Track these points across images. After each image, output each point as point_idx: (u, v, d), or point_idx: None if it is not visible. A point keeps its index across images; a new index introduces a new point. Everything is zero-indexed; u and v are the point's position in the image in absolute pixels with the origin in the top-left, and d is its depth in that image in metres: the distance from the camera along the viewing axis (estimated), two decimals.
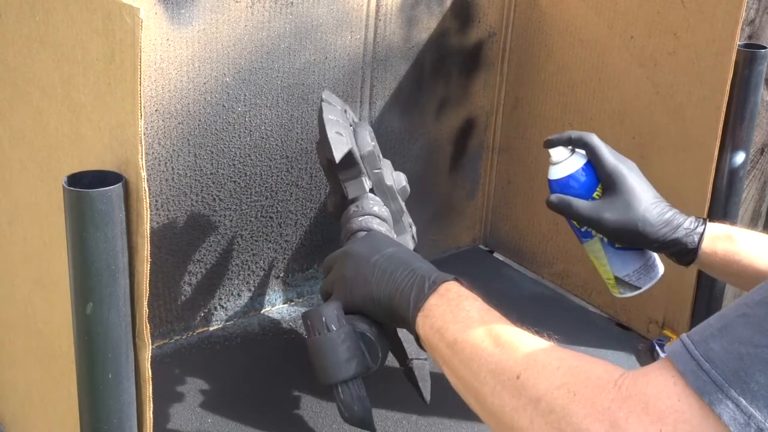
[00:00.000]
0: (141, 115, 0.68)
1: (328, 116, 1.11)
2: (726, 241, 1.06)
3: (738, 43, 1.17)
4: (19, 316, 0.95)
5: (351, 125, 1.17)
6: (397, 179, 1.19)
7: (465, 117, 1.52)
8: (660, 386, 0.67)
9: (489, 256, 1.62)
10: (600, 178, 1.08)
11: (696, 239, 1.06)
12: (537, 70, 1.46)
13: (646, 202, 1.06)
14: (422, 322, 0.90)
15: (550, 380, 0.74)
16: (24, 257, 0.91)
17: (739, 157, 1.22)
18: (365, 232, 1.08)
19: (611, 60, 1.34)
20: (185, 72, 1.14)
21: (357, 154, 1.11)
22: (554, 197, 1.10)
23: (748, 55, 1.18)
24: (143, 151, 0.69)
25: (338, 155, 1.07)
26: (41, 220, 0.85)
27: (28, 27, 0.80)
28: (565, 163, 1.09)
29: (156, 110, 1.14)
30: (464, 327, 0.85)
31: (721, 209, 1.25)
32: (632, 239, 1.08)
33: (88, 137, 0.75)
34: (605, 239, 1.11)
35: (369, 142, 1.14)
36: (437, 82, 1.45)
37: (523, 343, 0.80)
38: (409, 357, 1.05)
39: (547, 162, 1.10)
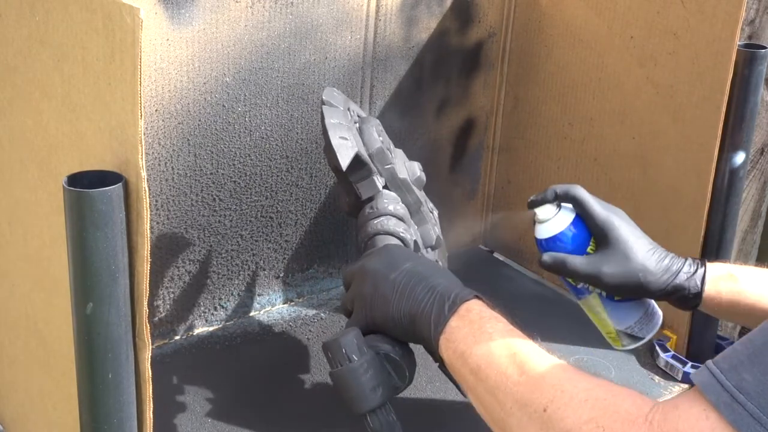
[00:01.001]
0: (141, 115, 0.68)
1: (330, 120, 1.08)
2: (729, 281, 1.01)
3: (738, 43, 1.17)
4: (19, 316, 0.95)
5: (356, 122, 1.15)
6: (411, 170, 1.17)
7: (465, 117, 1.52)
8: (692, 420, 0.66)
9: (489, 256, 1.62)
10: (592, 231, 1.03)
11: (698, 283, 1.01)
12: (537, 70, 1.46)
13: (643, 250, 1.01)
14: (445, 346, 0.87)
15: (578, 414, 0.72)
16: (24, 257, 0.91)
17: (739, 157, 1.22)
18: (382, 236, 1.06)
19: (611, 60, 1.34)
20: (185, 72, 1.14)
21: (365, 155, 1.09)
22: (547, 257, 1.04)
23: (748, 55, 1.18)
24: (143, 151, 0.69)
25: (344, 161, 1.05)
26: (41, 220, 0.85)
27: (28, 27, 0.81)
28: (554, 221, 1.04)
29: (156, 110, 1.14)
30: (487, 352, 0.83)
31: (721, 209, 1.25)
32: (634, 290, 1.02)
33: (88, 137, 0.75)
34: (604, 293, 1.05)
35: (376, 138, 1.12)
36: (437, 82, 1.45)
37: (548, 371, 0.78)
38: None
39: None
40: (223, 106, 1.20)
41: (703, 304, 1.02)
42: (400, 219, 1.09)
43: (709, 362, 0.68)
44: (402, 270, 0.95)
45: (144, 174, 0.69)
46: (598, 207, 1.03)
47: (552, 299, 1.48)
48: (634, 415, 0.69)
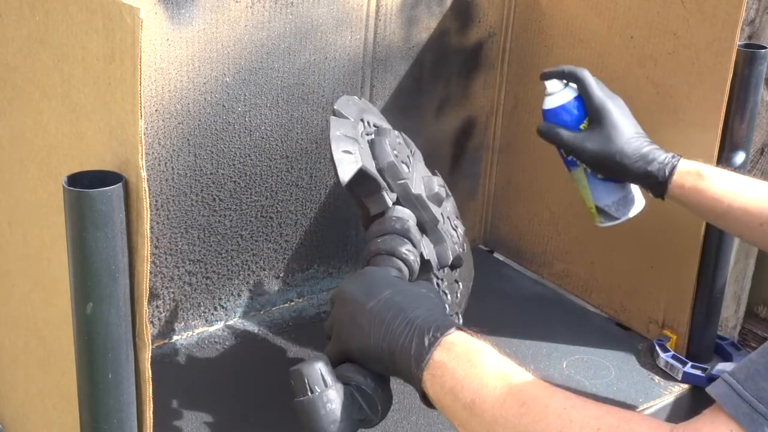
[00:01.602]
0: (141, 115, 0.68)
1: (335, 133, 1.04)
2: (695, 176, 1.11)
3: (738, 43, 1.17)
4: (19, 316, 0.95)
5: (369, 134, 1.11)
6: (428, 185, 1.13)
7: (465, 117, 1.52)
8: None
9: (489, 256, 1.62)
10: (587, 110, 1.15)
11: (666, 172, 1.11)
12: (537, 70, 1.45)
13: (627, 136, 1.13)
14: (431, 382, 0.83)
15: None
16: (24, 257, 0.91)
17: (739, 157, 1.22)
18: (383, 256, 1.02)
19: (611, 60, 1.34)
20: (185, 72, 1.14)
21: (371, 169, 1.04)
22: (543, 125, 1.17)
23: (748, 55, 1.18)
24: (143, 151, 0.69)
25: (345, 176, 1.00)
26: (41, 220, 0.85)
27: (28, 27, 0.80)
28: (558, 95, 1.17)
29: (156, 110, 1.14)
30: (481, 385, 0.80)
31: None
32: (610, 169, 1.14)
33: (88, 137, 0.75)
34: (588, 169, 1.17)
35: (388, 152, 1.07)
36: (437, 82, 1.45)
37: (551, 400, 0.75)
38: None
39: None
40: (223, 106, 1.20)
41: (670, 194, 1.12)
42: (407, 238, 1.04)
43: (725, 374, 0.66)
44: (380, 299, 0.90)
45: (144, 174, 0.69)
46: (597, 90, 1.14)
47: (552, 299, 1.48)
48: None
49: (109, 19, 0.69)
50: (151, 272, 0.73)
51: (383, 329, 0.88)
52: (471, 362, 0.82)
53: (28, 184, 0.87)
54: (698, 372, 1.25)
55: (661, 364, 1.28)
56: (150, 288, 0.74)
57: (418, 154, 1.20)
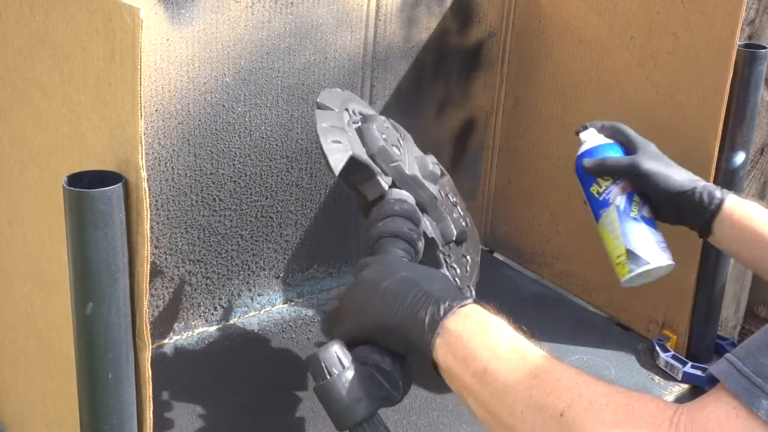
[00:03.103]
0: (141, 115, 0.68)
1: (322, 125, 1.04)
2: (749, 206, 1.09)
3: (738, 43, 1.17)
4: (19, 316, 0.95)
5: (356, 123, 1.11)
6: (422, 164, 1.12)
7: (465, 117, 1.52)
8: (721, 419, 0.64)
9: (489, 256, 1.62)
10: (628, 151, 1.15)
11: (722, 193, 1.09)
12: (537, 70, 1.46)
13: (675, 164, 1.14)
14: (444, 350, 0.83)
15: (598, 418, 0.69)
16: (24, 257, 0.91)
17: (739, 157, 1.22)
18: (387, 238, 1.02)
19: (611, 60, 1.34)
20: (185, 72, 1.14)
21: (363, 156, 1.04)
22: (587, 161, 1.15)
23: (748, 55, 1.18)
24: (143, 151, 0.69)
25: (337, 165, 1.00)
26: (41, 220, 0.85)
27: (28, 27, 0.80)
28: (594, 139, 1.17)
29: (156, 110, 1.14)
30: (494, 356, 0.80)
31: None
32: (664, 185, 1.11)
33: (88, 137, 0.75)
34: (621, 207, 1.13)
35: (377, 136, 1.08)
36: (437, 82, 1.45)
37: (563, 375, 0.75)
38: None
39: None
40: (223, 106, 1.20)
41: (719, 221, 1.09)
42: (408, 218, 1.04)
43: (727, 354, 0.66)
44: (396, 278, 0.91)
45: (144, 174, 0.69)
46: (637, 135, 1.16)
47: (552, 299, 1.48)
48: (658, 419, 0.67)
49: (109, 19, 0.69)
50: (151, 272, 0.73)
51: (398, 302, 0.88)
52: (485, 333, 0.82)
53: (28, 184, 0.87)
54: (698, 372, 1.25)
55: (661, 364, 1.28)
56: (150, 288, 0.74)
57: (408, 137, 1.19)
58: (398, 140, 1.13)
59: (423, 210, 1.08)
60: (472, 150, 1.55)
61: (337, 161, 1.00)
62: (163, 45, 1.11)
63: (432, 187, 1.10)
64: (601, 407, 0.70)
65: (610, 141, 1.17)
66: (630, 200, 1.13)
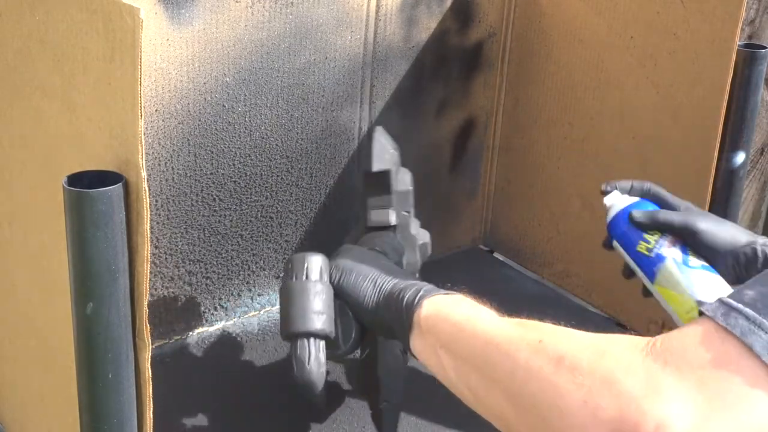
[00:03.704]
0: (141, 115, 0.68)
1: (380, 138, 1.09)
2: None
3: (738, 43, 1.17)
4: (19, 316, 0.95)
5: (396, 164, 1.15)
6: (421, 235, 1.15)
7: (465, 117, 1.52)
8: (699, 336, 0.64)
9: (489, 256, 1.62)
10: (664, 207, 1.08)
11: None
12: (537, 70, 1.46)
13: (726, 222, 1.06)
14: (425, 309, 0.87)
15: (576, 341, 0.70)
16: (24, 257, 0.91)
17: (739, 157, 1.22)
18: (375, 232, 1.06)
19: (611, 60, 1.34)
20: (185, 72, 1.14)
21: (393, 181, 1.07)
22: (637, 212, 1.06)
23: (748, 55, 1.18)
24: (143, 151, 0.69)
25: (376, 166, 1.04)
26: (41, 220, 0.85)
27: (28, 27, 0.81)
28: (622, 201, 1.09)
29: (156, 110, 1.14)
30: (479, 311, 0.83)
31: (721, 209, 1.25)
32: (725, 238, 1.02)
33: (88, 137, 0.75)
34: (678, 260, 1.04)
35: (408, 183, 1.11)
36: (437, 82, 1.45)
37: (545, 324, 0.77)
38: (382, 399, 1.02)
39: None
40: (223, 106, 1.20)
41: None
42: (398, 257, 1.07)
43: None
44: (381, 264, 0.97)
45: (144, 174, 0.69)
46: (672, 195, 1.08)
47: (552, 299, 1.48)
48: (635, 341, 0.67)
49: (109, 19, 0.69)
50: (151, 272, 0.73)
51: (391, 272, 0.94)
52: (473, 304, 0.86)
53: (28, 184, 0.87)
54: None
55: None
56: (150, 288, 0.74)
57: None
58: (413, 206, 1.16)
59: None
60: (472, 150, 1.55)
61: (379, 163, 1.05)
62: (163, 45, 1.11)
63: (419, 258, 1.13)
64: (580, 335, 0.71)
65: (634, 199, 1.09)
66: (685, 250, 1.04)
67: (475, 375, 0.78)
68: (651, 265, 1.06)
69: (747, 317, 0.62)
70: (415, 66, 1.40)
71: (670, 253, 1.04)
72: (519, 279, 1.54)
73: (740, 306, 0.64)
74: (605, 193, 1.11)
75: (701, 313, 0.66)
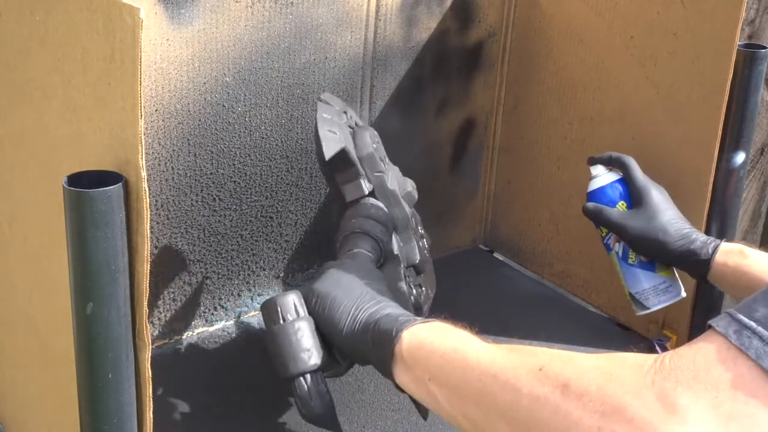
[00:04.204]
0: (141, 115, 0.68)
1: (322, 114, 1.08)
2: (738, 255, 1.11)
3: (738, 43, 1.17)
4: (19, 316, 0.95)
5: (351, 127, 1.15)
6: (402, 184, 1.15)
7: (465, 117, 1.52)
8: (711, 353, 0.62)
9: (489, 256, 1.62)
10: (630, 193, 1.20)
11: (710, 251, 1.12)
12: (537, 70, 1.46)
13: (668, 217, 1.16)
14: (412, 333, 0.85)
15: (578, 365, 0.68)
16: (24, 257, 0.91)
17: (739, 157, 1.22)
18: (357, 234, 1.04)
19: (611, 60, 1.34)
20: (185, 72, 1.14)
21: (352, 154, 1.07)
22: (590, 204, 1.22)
23: (748, 55, 1.18)
24: (143, 151, 0.69)
25: (328, 152, 1.03)
26: (41, 220, 0.85)
27: (28, 27, 0.81)
28: (601, 178, 1.22)
29: (156, 110, 1.14)
30: (465, 339, 0.81)
31: (721, 209, 1.25)
32: (652, 248, 1.17)
33: (88, 137, 0.75)
34: (620, 254, 1.21)
35: (369, 144, 1.11)
36: (437, 82, 1.45)
37: (538, 348, 0.75)
38: None
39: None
40: (223, 106, 1.20)
41: (711, 273, 1.13)
42: (381, 223, 1.06)
43: (728, 310, 0.66)
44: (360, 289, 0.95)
45: (144, 174, 0.69)
46: (640, 175, 1.20)
47: (552, 299, 1.48)
48: (642, 359, 0.66)
49: (109, 19, 0.69)
50: (151, 272, 0.73)
51: (366, 304, 0.92)
52: (455, 330, 0.84)
53: (28, 184, 0.87)
54: None
55: None
56: (150, 288, 0.74)
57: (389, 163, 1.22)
58: (385, 157, 1.16)
59: (394, 228, 1.10)
60: (472, 150, 1.55)
61: (330, 149, 1.03)
62: (163, 45, 1.11)
63: (407, 208, 1.12)
64: (582, 359, 0.69)
65: (616, 177, 1.22)
66: (627, 248, 1.20)
67: (472, 406, 0.76)
68: (605, 247, 1.24)
69: (761, 338, 0.61)
70: (415, 66, 1.40)
71: (615, 247, 1.22)
72: (519, 279, 1.54)
73: (753, 324, 0.62)
74: (591, 161, 1.24)
75: (709, 326, 0.65)
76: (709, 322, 0.65)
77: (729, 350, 0.62)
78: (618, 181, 1.21)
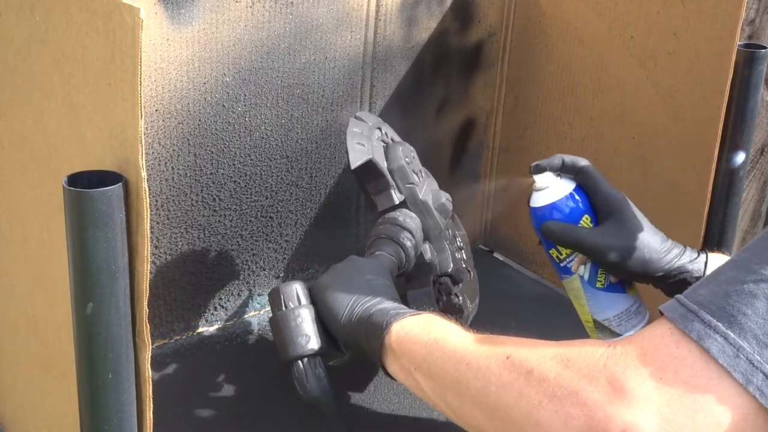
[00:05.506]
0: (141, 115, 0.68)
1: (353, 129, 1.12)
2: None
3: (738, 43, 1.17)
4: (19, 316, 0.95)
5: (385, 142, 1.18)
6: (436, 196, 1.18)
7: (465, 117, 1.52)
8: (656, 338, 0.67)
9: (489, 256, 1.62)
10: (593, 204, 1.02)
11: (702, 267, 1.01)
12: (537, 70, 1.46)
13: (647, 229, 1.01)
14: (400, 325, 0.90)
15: (541, 353, 0.73)
16: (24, 257, 0.91)
17: (739, 157, 1.22)
18: (383, 239, 1.09)
19: (611, 60, 1.34)
20: (185, 72, 1.14)
21: (380, 165, 1.11)
22: (552, 224, 1.01)
23: (748, 55, 1.18)
24: (143, 151, 0.69)
25: (354, 163, 1.08)
26: (41, 220, 0.85)
27: (28, 27, 0.80)
28: (553, 189, 1.01)
29: (156, 110, 1.14)
30: (447, 330, 0.86)
31: (721, 209, 1.25)
32: (634, 268, 1.00)
33: (88, 137, 0.75)
34: (585, 278, 1.03)
35: (401, 157, 1.14)
36: (437, 82, 1.45)
37: (509, 338, 0.80)
38: None
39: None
40: (223, 106, 1.20)
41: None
42: (409, 231, 1.10)
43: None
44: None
45: (144, 174, 0.69)
46: (603, 181, 1.02)
47: (552, 299, 1.48)
48: (597, 344, 0.71)
49: (109, 19, 0.69)
50: (151, 272, 0.73)
51: (363, 298, 0.96)
52: (441, 322, 0.89)
53: (28, 184, 0.87)
54: None
55: None
56: (150, 288, 0.74)
57: (430, 176, 1.25)
58: (420, 171, 1.20)
59: (426, 238, 1.14)
60: (472, 150, 1.55)
61: (356, 160, 1.08)
62: (163, 45, 1.11)
63: (440, 218, 1.16)
64: (544, 346, 0.74)
65: (572, 186, 1.01)
66: (595, 270, 1.02)
67: (451, 393, 0.80)
68: (560, 270, 1.05)
69: (702, 320, 0.65)
70: (415, 66, 1.40)
71: (579, 270, 1.03)
72: (519, 279, 1.54)
73: (695, 308, 0.66)
74: (536, 169, 1.03)
75: (660, 312, 0.69)
76: (659, 307, 0.69)
77: (673, 334, 0.66)
78: (575, 190, 1.01)
